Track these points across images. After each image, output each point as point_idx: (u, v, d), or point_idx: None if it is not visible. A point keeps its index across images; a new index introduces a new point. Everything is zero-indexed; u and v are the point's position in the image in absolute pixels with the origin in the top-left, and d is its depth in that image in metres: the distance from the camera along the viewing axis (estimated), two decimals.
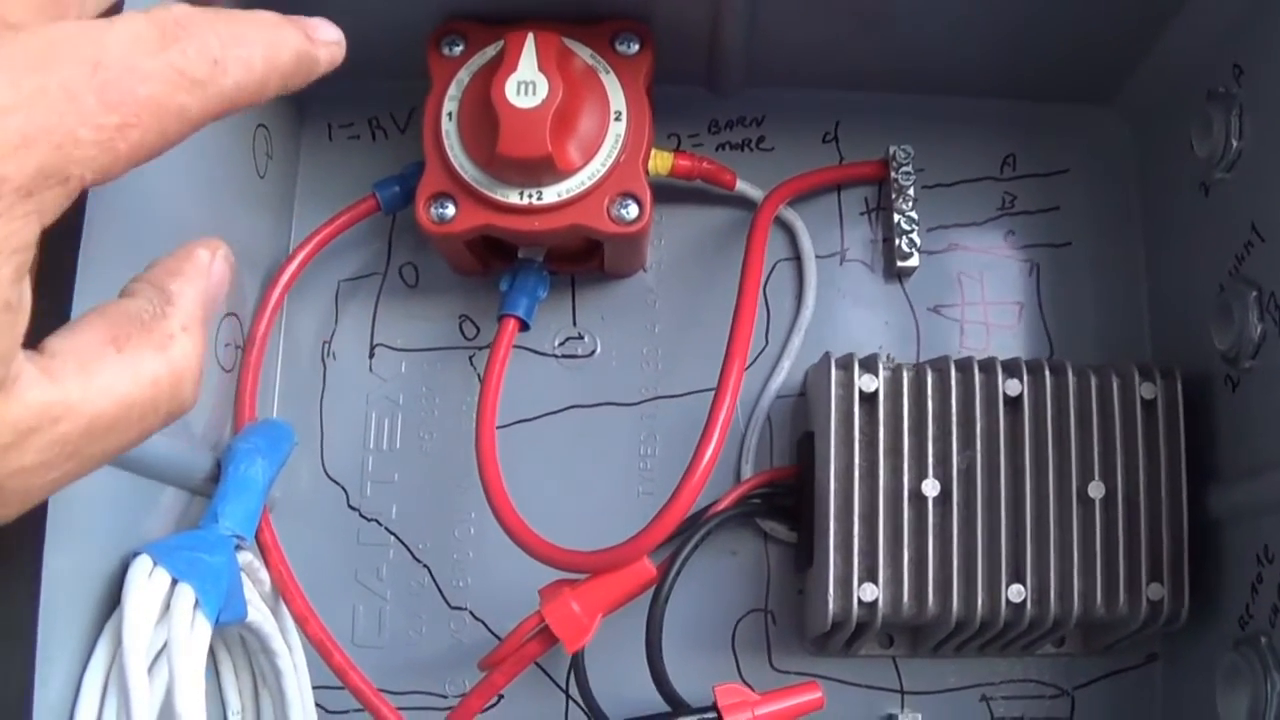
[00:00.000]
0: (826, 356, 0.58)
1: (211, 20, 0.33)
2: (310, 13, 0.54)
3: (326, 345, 0.63)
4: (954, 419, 0.56)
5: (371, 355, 0.62)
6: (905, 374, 0.57)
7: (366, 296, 0.63)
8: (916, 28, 0.59)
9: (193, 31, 0.32)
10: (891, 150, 0.63)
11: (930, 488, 0.55)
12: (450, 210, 0.56)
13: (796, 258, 0.63)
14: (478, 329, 0.63)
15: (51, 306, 0.38)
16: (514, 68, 0.54)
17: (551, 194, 0.55)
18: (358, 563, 0.61)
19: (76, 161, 0.29)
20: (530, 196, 0.55)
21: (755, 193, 0.62)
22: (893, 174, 0.63)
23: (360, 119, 0.65)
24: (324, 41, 0.39)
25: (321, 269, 0.61)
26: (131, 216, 0.44)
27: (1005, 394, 0.56)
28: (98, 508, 0.44)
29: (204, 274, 0.39)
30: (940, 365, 0.57)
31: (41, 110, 0.29)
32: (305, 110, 0.65)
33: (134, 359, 0.34)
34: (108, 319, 0.35)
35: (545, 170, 0.54)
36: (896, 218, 0.63)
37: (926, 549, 0.55)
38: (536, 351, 0.62)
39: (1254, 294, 0.53)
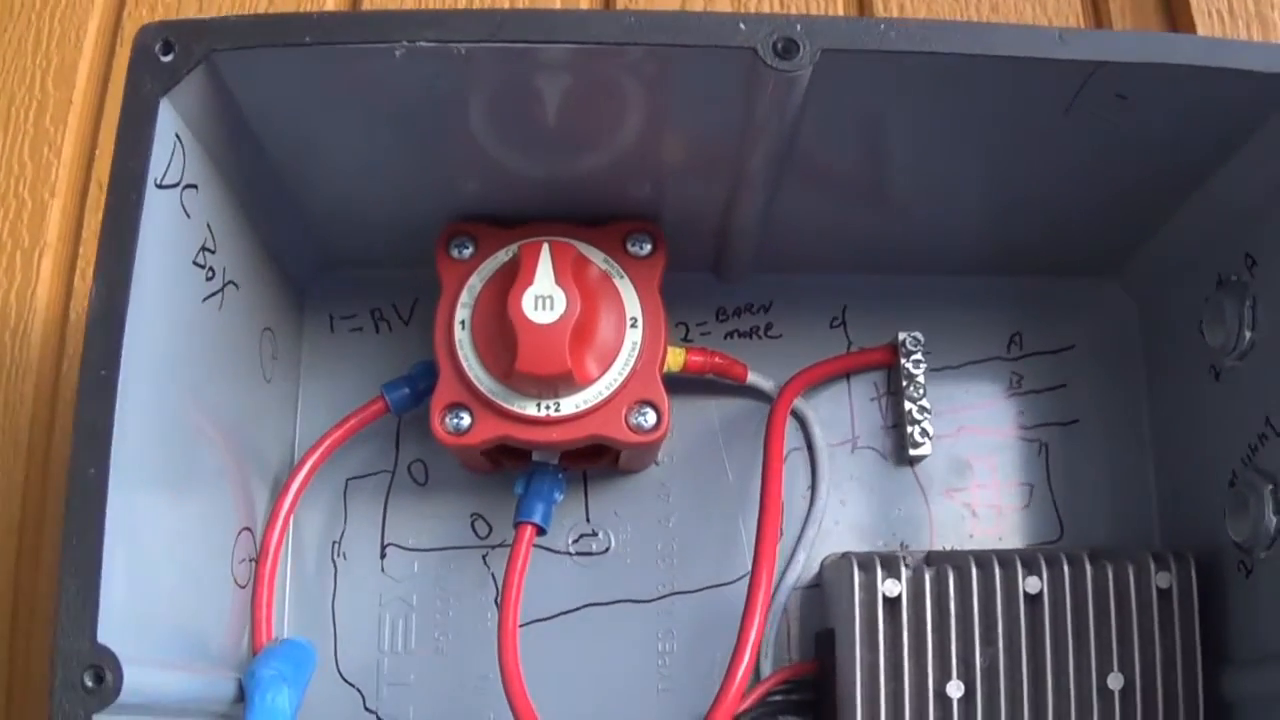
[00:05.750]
0: (847, 557, 0.57)
1: None
2: (305, 193, 0.56)
3: (336, 545, 0.61)
4: (975, 618, 0.56)
5: (383, 555, 0.61)
6: (926, 573, 0.56)
7: (375, 495, 0.62)
8: (922, 208, 0.59)
9: None
10: (901, 338, 0.63)
11: (955, 689, 0.55)
12: (466, 420, 0.55)
13: (808, 446, 0.63)
14: (490, 527, 0.62)
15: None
16: (530, 281, 0.53)
17: (569, 405, 0.55)
18: None
19: None
20: (548, 408, 0.55)
21: (766, 384, 0.62)
22: (903, 362, 0.63)
23: (363, 310, 0.64)
24: None
25: (328, 467, 0.60)
26: (153, 428, 0.45)
27: (1025, 591, 0.56)
28: None
29: None
30: (960, 562, 0.57)
31: None
32: (306, 301, 0.64)
33: None
34: None
35: (564, 384, 0.54)
36: (908, 406, 0.62)
37: None
38: (551, 550, 0.62)
39: (1269, 488, 0.54)
